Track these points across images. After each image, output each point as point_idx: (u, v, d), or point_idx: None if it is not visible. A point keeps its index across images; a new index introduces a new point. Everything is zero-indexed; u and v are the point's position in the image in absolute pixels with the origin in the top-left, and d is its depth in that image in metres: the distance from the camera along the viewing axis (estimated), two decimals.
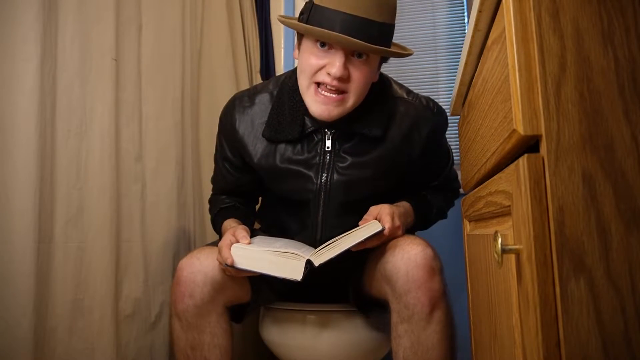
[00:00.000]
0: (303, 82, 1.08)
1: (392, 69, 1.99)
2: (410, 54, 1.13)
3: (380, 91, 1.17)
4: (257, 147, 1.17)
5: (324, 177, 1.15)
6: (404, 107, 1.17)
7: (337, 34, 0.98)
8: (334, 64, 1.02)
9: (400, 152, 1.16)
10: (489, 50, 0.62)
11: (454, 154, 1.84)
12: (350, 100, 1.07)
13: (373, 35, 1.01)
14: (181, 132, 1.50)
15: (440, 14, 2.04)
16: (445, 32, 2.03)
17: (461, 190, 1.33)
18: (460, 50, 1.95)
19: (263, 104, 1.19)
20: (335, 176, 1.15)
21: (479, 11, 0.63)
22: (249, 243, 1.04)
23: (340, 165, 1.15)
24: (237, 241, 1.04)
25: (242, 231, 1.06)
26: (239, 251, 1.01)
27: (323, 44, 1.04)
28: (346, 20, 0.99)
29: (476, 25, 0.66)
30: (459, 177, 1.34)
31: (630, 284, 0.42)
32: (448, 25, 2.03)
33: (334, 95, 1.05)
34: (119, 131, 1.29)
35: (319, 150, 1.15)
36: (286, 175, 1.17)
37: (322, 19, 1.00)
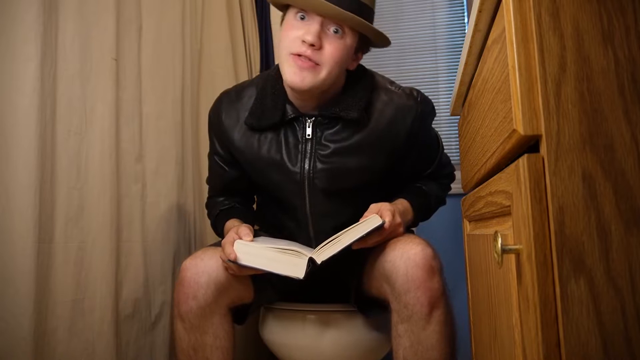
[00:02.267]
0: (282, 54, 1.09)
1: (391, 69, 1.99)
2: (388, 44, 1.14)
3: (362, 80, 1.18)
4: (241, 138, 1.19)
5: (306, 165, 1.16)
6: (387, 96, 1.17)
7: (314, 0, 1.02)
8: (309, 30, 1.04)
9: (384, 141, 1.16)
10: (489, 50, 0.62)
11: (454, 154, 1.84)
12: (323, 72, 1.07)
13: (353, 8, 1.04)
14: (181, 132, 1.51)
15: (440, 14, 2.04)
16: (445, 32, 2.03)
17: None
18: (460, 50, 1.95)
19: (249, 97, 1.21)
20: (319, 165, 1.15)
21: (479, 11, 0.63)
22: (252, 241, 1.04)
23: (322, 153, 1.15)
24: (241, 238, 1.04)
25: (245, 229, 1.07)
26: (242, 248, 1.01)
27: (303, 17, 1.07)
28: None
29: (476, 25, 0.66)
30: (454, 169, 1.34)
31: (630, 284, 0.42)
32: (448, 25, 2.03)
33: (306, 62, 1.05)
34: (119, 131, 1.29)
35: (300, 139, 1.16)
36: (269, 166, 1.18)
37: None
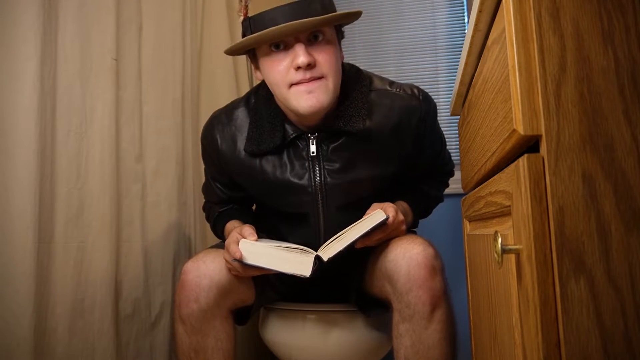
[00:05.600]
0: (281, 91, 1.05)
1: (391, 69, 1.99)
2: (359, 13, 1.09)
3: (359, 85, 1.14)
4: (242, 164, 1.15)
5: (316, 183, 1.12)
6: (389, 99, 1.13)
7: (284, 24, 0.97)
8: (297, 54, 1.00)
9: (392, 145, 1.13)
10: (489, 50, 0.62)
11: (454, 154, 1.84)
12: (330, 81, 1.03)
13: (317, 10, 1.00)
14: (181, 132, 1.51)
15: (440, 14, 2.04)
16: (445, 32, 2.03)
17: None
18: (460, 50, 1.95)
19: (241, 119, 1.16)
20: (330, 180, 1.11)
21: (479, 11, 0.63)
22: (256, 240, 1.03)
23: (331, 168, 1.11)
24: (244, 238, 1.03)
25: (248, 229, 1.06)
26: (246, 247, 1.00)
27: (277, 46, 1.02)
28: (285, 11, 0.99)
29: (476, 25, 0.66)
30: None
31: (630, 284, 0.42)
32: (448, 25, 2.03)
33: (311, 81, 1.01)
34: (119, 131, 1.29)
35: (305, 157, 1.12)
36: (277, 190, 1.14)
37: (264, 23, 1.00)
